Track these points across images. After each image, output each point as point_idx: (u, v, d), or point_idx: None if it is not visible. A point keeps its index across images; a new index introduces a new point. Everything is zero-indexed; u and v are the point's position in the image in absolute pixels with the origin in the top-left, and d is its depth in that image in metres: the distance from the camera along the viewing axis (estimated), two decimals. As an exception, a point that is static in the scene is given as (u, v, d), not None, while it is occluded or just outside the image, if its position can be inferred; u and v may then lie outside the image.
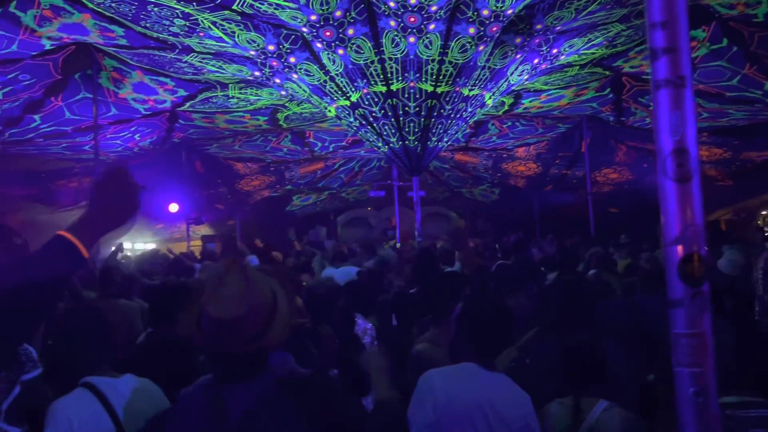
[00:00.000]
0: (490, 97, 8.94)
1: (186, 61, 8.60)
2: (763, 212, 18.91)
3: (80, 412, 2.42)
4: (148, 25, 7.44)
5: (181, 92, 9.91)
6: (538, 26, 8.03)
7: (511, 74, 8.76)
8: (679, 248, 1.32)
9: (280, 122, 12.02)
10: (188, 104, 10.48)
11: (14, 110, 9.36)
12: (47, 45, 7.93)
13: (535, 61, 8.81)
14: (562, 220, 17.69)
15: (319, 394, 1.84)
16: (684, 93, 1.33)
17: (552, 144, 14.81)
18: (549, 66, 9.22)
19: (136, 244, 17.15)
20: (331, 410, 1.82)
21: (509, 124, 13.19)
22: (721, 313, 4.37)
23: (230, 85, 9.65)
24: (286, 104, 10.69)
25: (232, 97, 10.20)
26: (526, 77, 9.19)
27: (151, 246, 17.25)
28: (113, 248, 7.95)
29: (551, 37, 8.41)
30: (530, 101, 11.53)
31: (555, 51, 8.78)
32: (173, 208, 12.72)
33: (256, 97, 10.21)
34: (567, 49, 8.84)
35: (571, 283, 3.52)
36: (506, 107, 11.66)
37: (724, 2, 7.89)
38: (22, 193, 13.17)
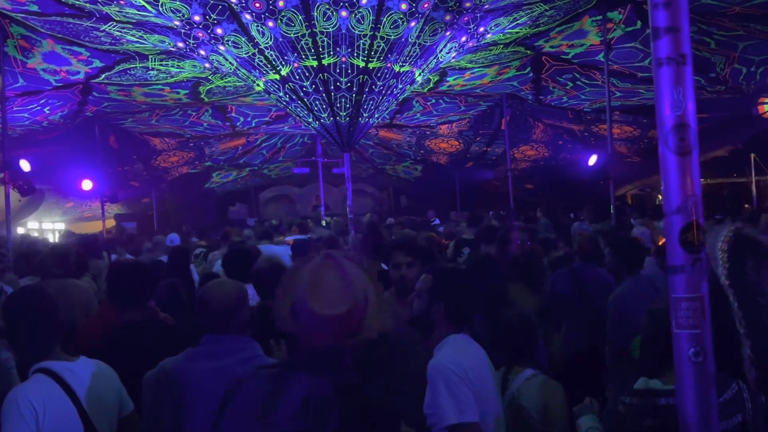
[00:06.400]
0: (419, 74, 8.99)
1: (103, 30, 8.12)
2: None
3: (43, 398, 2.32)
4: (62, -11, 6.98)
5: (97, 63, 9.35)
6: (467, 4, 8.11)
7: (440, 51, 8.83)
8: (680, 217, 1.40)
9: (202, 96, 11.61)
10: (103, 76, 9.91)
11: None
12: (-55, 8, 7.30)
13: (463, 38, 8.92)
14: (482, 195, 18.19)
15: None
16: (685, 70, 1.40)
17: (473, 121, 15.13)
18: (475, 44, 9.36)
19: (44, 223, 16.22)
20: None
21: (433, 101, 13.33)
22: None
23: (150, 56, 9.21)
24: (210, 77, 10.34)
25: (152, 69, 9.73)
26: (453, 55, 9.29)
27: (60, 225, 16.38)
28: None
29: (479, 15, 8.52)
30: (455, 79, 11.68)
31: (482, 29, 8.90)
32: (86, 185, 12.08)
33: (178, 70, 9.80)
34: (493, 27, 8.99)
35: (487, 259, 3.62)
36: (431, 84, 11.77)
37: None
38: None
